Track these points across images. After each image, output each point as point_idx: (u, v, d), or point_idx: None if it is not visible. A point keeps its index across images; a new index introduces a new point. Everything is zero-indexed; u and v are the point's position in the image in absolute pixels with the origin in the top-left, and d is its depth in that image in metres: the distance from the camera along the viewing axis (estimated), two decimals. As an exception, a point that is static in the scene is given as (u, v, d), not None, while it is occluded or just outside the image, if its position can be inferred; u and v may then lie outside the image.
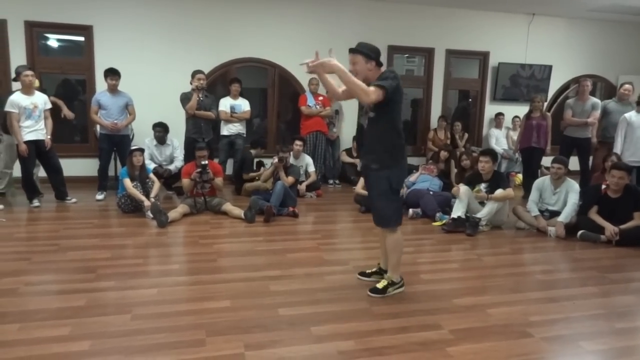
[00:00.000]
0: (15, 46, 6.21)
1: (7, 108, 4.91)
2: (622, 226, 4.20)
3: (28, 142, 4.98)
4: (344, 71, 2.50)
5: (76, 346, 2.22)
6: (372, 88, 2.53)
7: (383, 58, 7.28)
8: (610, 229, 4.21)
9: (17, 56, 6.19)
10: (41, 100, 5.11)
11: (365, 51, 2.66)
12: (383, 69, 2.75)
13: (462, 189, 4.69)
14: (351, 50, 2.69)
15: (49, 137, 5.16)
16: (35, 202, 5.16)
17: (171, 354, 2.17)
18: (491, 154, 4.87)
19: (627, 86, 5.85)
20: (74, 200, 5.41)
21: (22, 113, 4.96)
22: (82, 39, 6.55)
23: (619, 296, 3.05)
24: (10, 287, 2.93)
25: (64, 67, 6.56)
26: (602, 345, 2.37)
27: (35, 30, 6.33)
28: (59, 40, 6.79)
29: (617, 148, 5.30)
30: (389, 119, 2.70)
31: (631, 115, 5.31)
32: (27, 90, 5.01)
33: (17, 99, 4.96)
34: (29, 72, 4.99)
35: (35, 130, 5.03)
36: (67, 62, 6.56)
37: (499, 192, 4.60)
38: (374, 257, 3.74)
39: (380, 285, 2.93)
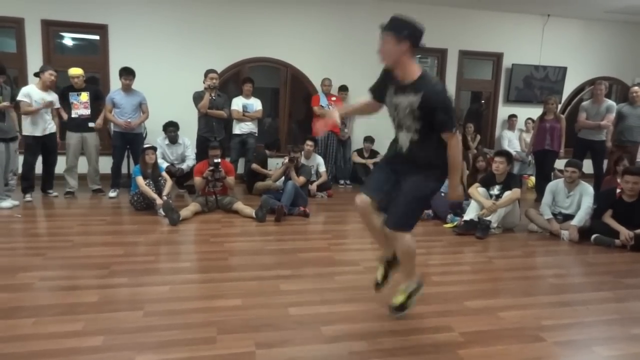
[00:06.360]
0: (32, 44, 6.31)
1: (19, 97, 5.08)
2: (638, 231, 4.14)
3: (33, 137, 5.18)
4: (457, 173, 2.29)
5: (89, 341, 2.25)
6: (455, 143, 2.20)
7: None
8: (625, 233, 4.15)
9: (34, 54, 6.29)
10: (51, 98, 5.29)
11: (397, 28, 2.13)
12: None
13: (480, 190, 4.68)
14: (382, 28, 2.21)
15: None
16: (28, 197, 5.24)
17: (182, 351, 2.18)
18: (507, 154, 4.85)
19: (634, 88, 5.79)
20: (55, 194, 5.56)
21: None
22: (97, 37, 6.62)
23: (634, 301, 3.00)
24: (25, 282, 2.97)
25: (79, 65, 6.64)
26: (616, 351, 2.34)
27: (51, 29, 6.42)
28: (74, 39, 6.88)
29: None
30: (437, 137, 2.24)
31: None
32: (43, 87, 5.20)
33: (30, 90, 5.14)
34: (54, 73, 5.25)
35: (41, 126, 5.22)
36: (83, 61, 6.63)
37: (505, 195, 4.57)
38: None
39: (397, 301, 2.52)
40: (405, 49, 2.13)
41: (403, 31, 2.12)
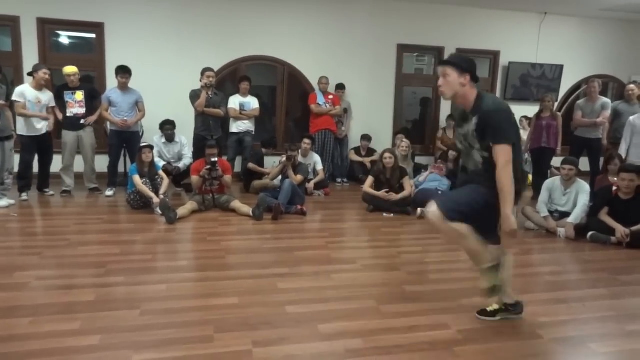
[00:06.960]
0: (27, 43, 6.28)
1: (14, 97, 5.08)
2: (633, 228, 4.15)
3: (28, 136, 5.17)
4: (509, 201, 2.25)
5: (86, 340, 2.24)
6: (501, 159, 2.23)
7: (392, 56, 7.43)
8: (621, 230, 4.17)
9: (30, 53, 6.26)
10: (46, 97, 5.29)
11: (458, 62, 2.36)
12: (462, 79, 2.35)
13: None
14: (442, 63, 2.40)
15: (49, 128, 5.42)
16: (24, 196, 5.23)
17: (180, 350, 2.18)
18: None
19: (630, 86, 5.81)
20: (51, 192, 5.55)
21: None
22: (93, 36, 6.60)
23: (630, 298, 3.02)
24: (21, 281, 2.96)
25: (75, 64, 6.61)
26: (612, 348, 2.35)
27: (47, 27, 6.40)
28: (70, 37, 6.86)
29: (622, 150, 5.22)
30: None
31: (635, 118, 5.24)
32: (37, 86, 5.18)
33: (24, 90, 5.14)
34: (48, 71, 5.22)
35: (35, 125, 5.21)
36: (79, 59, 6.61)
37: None
38: (381, 256, 3.74)
39: (490, 308, 2.60)
40: (467, 81, 2.35)
41: (464, 64, 2.35)
